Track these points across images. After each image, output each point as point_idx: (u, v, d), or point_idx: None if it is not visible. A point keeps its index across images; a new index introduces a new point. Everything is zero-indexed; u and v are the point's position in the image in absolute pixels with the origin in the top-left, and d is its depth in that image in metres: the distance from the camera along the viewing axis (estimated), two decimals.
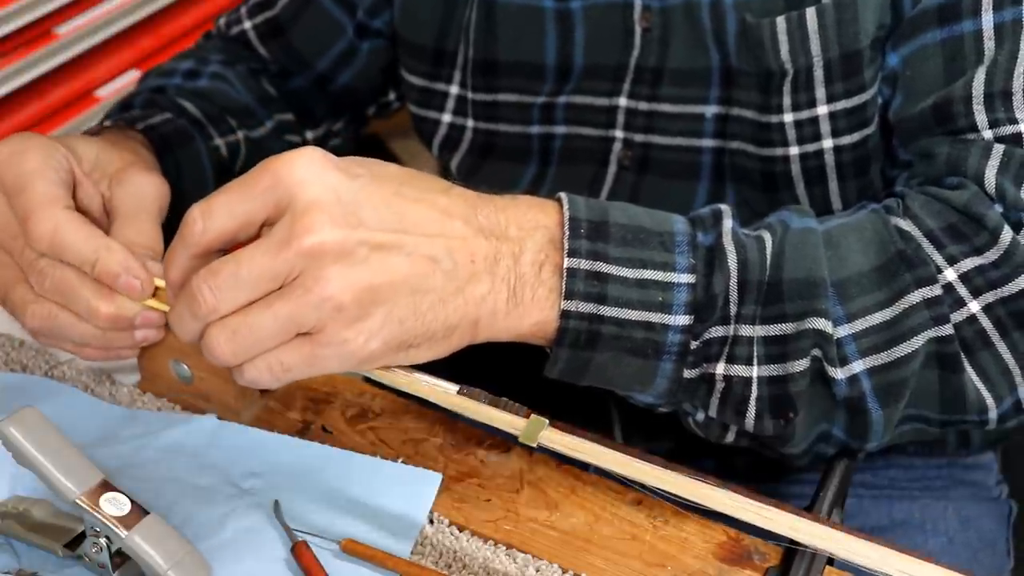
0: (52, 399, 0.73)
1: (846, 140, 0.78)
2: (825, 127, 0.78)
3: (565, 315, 0.62)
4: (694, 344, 0.64)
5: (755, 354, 0.64)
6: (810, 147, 0.79)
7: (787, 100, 0.78)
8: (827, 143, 0.78)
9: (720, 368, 0.64)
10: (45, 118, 1.52)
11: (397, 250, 0.57)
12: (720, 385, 0.65)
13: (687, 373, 0.64)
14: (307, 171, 0.56)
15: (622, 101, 0.84)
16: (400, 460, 0.72)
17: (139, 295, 0.65)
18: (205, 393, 0.74)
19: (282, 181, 0.56)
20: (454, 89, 0.91)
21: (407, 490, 0.69)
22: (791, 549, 0.65)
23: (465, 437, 0.74)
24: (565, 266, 0.61)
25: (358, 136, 1.09)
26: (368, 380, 0.73)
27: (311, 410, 0.76)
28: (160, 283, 0.65)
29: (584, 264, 0.62)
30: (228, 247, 0.58)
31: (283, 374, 0.58)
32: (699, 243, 0.64)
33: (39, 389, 0.75)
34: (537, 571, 0.65)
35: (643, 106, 0.83)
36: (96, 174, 0.71)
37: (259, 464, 0.70)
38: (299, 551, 0.64)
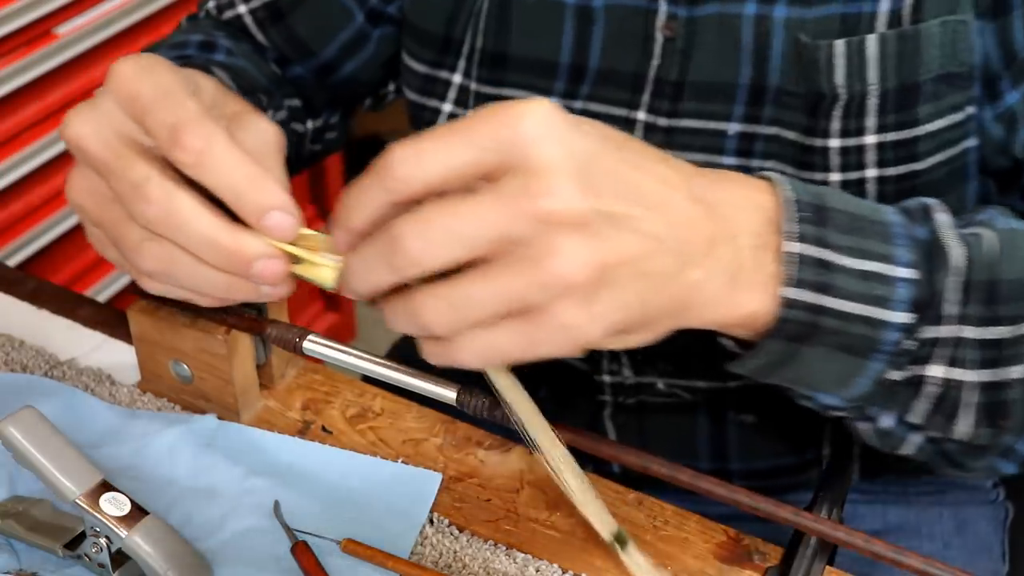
0: (52, 399, 0.73)
1: (891, 171, 0.76)
2: (871, 156, 0.76)
3: (788, 304, 0.57)
4: (907, 344, 0.59)
5: (972, 358, 0.61)
6: (853, 175, 0.77)
7: (836, 125, 0.75)
8: (871, 172, 0.76)
9: (935, 371, 0.60)
10: (45, 118, 1.52)
11: (628, 225, 0.51)
12: (933, 389, 0.61)
13: (893, 375, 0.60)
14: (544, 125, 0.49)
15: (640, 115, 0.80)
16: (400, 460, 0.72)
17: (287, 235, 0.57)
18: (205, 393, 0.74)
19: (516, 132, 0.49)
20: (457, 78, 0.88)
21: (407, 490, 0.69)
22: (791, 550, 0.65)
23: (465, 437, 0.74)
24: (787, 250, 0.57)
25: (349, 129, 1.05)
26: (367, 379, 0.73)
27: (311, 410, 0.76)
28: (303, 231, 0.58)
29: (810, 250, 0.57)
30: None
31: (495, 358, 0.52)
32: (916, 236, 0.60)
33: (39, 389, 0.75)
34: (537, 571, 0.65)
35: (662, 121, 0.80)
36: (214, 112, 0.62)
37: (259, 464, 0.70)
38: (299, 551, 0.64)
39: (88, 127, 0.58)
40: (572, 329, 0.50)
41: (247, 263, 0.57)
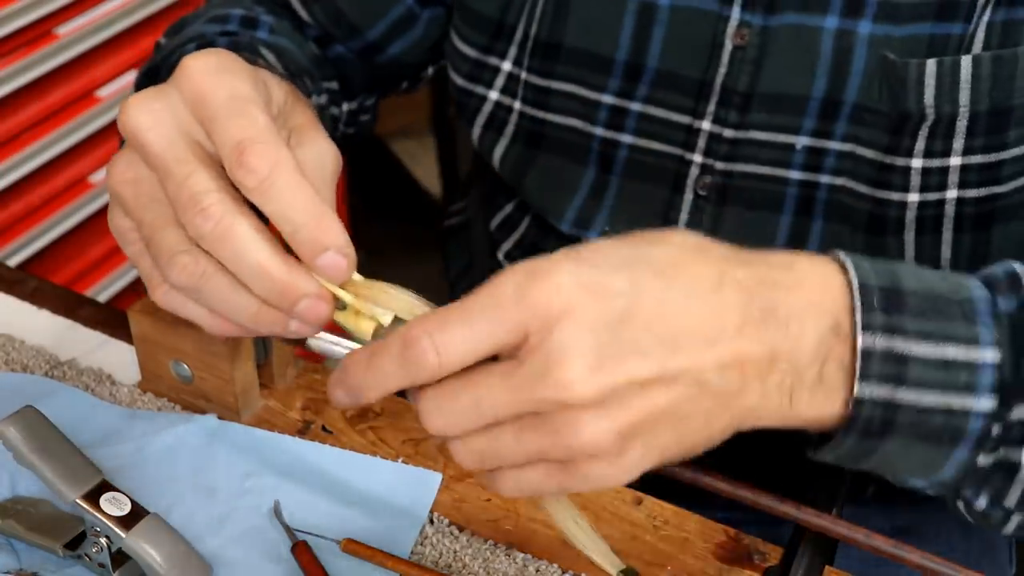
0: (52, 399, 0.73)
1: (972, 193, 0.74)
2: (953, 177, 0.74)
3: (858, 403, 0.53)
4: (995, 429, 0.55)
5: None
6: (932, 196, 0.75)
7: (920, 144, 0.73)
8: (951, 193, 0.74)
9: None
10: (46, 118, 1.52)
11: (661, 384, 0.50)
12: None
13: (982, 460, 0.56)
14: (566, 301, 0.49)
15: (705, 125, 0.78)
16: (400, 460, 0.72)
17: (340, 278, 0.54)
18: (205, 393, 0.74)
19: (538, 312, 0.49)
20: (507, 66, 0.85)
21: (407, 490, 0.69)
22: (791, 550, 0.65)
23: None
24: (860, 346, 0.53)
25: (377, 112, 1.01)
26: None
27: (311, 410, 0.76)
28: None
29: (880, 342, 0.53)
30: None
31: (533, 492, 0.53)
32: (1000, 311, 0.55)
33: (39, 389, 0.75)
34: (537, 571, 0.65)
35: (728, 133, 0.77)
36: (279, 121, 0.59)
37: (259, 464, 0.70)
38: (299, 551, 0.64)
39: (150, 120, 0.55)
40: (605, 479, 0.51)
41: (294, 300, 0.55)
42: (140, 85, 0.83)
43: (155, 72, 0.80)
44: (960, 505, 0.61)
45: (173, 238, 0.56)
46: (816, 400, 0.54)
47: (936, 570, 0.60)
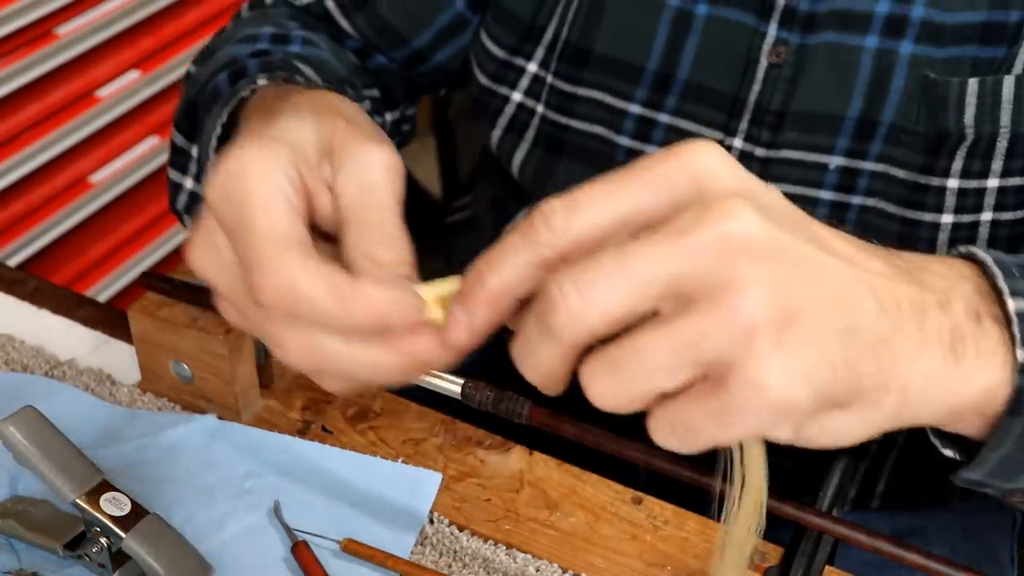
0: (52, 399, 0.73)
1: (1007, 216, 0.74)
2: (990, 199, 0.73)
3: (1022, 371, 0.47)
4: None
5: None
6: (966, 217, 0.74)
7: (958, 164, 0.72)
8: (986, 216, 0.74)
9: None
10: (46, 118, 1.52)
11: (821, 271, 0.42)
12: None
13: None
14: (718, 160, 0.43)
15: (737, 142, 0.76)
16: (400, 460, 0.72)
17: (415, 318, 0.49)
18: (205, 393, 0.74)
19: (687, 167, 0.42)
20: (532, 67, 0.83)
21: (407, 490, 0.69)
22: (791, 550, 0.65)
23: (465, 437, 0.74)
24: (1013, 309, 0.48)
25: (416, 120, 0.97)
26: None
27: (311, 410, 0.76)
28: (430, 300, 0.49)
29: None
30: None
31: (691, 439, 0.43)
32: None
33: (39, 389, 0.75)
34: (537, 571, 0.65)
35: (760, 151, 0.76)
36: (324, 161, 0.53)
37: (259, 464, 0.70)
38: (299, 551, 0.64)
39: (206, 259, 0.52)
40: (770, 389, 0.41)
41: (421, 363, 0.49)
42: (180, 125, 0.81)
43: (193, 108, 0.78)
44: (1007, 556, 0.56)
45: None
46: (981, 357, 0.47)
47: (938, 570, 0.60)
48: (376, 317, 0.47)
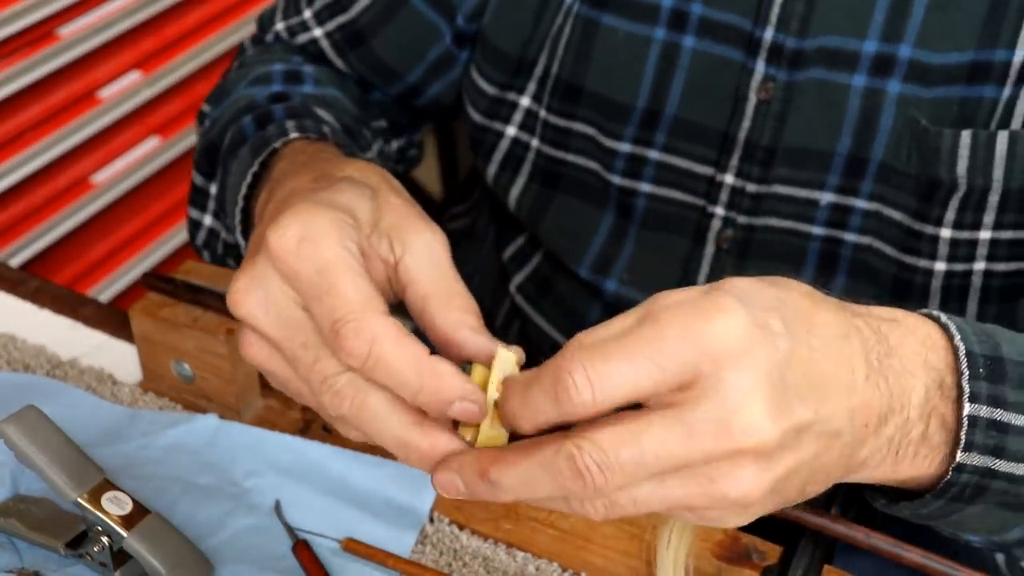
0: (54, 399, 0.73)
1: (1000, 267, 0.74)
2: (982, 250, 0.73)
3: (959, 468, 0.53)
4: None
5: None
6: (959, 266, 0.74)
7: (950, 215, 0.72)
8: (979, 265, 0.74)
9: None
10: (47, 119, 1.52)
11: (810, 431, 0.48)
12: None
13: None
14: (734, 341, 0.46)
15: (728, 179, 0.76)
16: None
17: (474, 420, 0.51)
18: (206, 392, 0.74)
19: (706, 353, 0.46)
20: (525, 101, 0.83)
21: (407, 489, 0.69)
22: (789, 549, 0.65)
23: None
24: (966, 413, 0.53)
25: (423, 146, 0.99)
26: None
27: (311, 409, 0.76)
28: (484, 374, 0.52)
29: (984, 412, 0.53)
30: None
31: (640, 513, 0.49)
32: None
33: (41, 389, 0.75)
34: (537, 570, 0.66)
35: (751, 187, 0.76)
36: (374, 236, 0.57)
37: (260, 463, 0.70)
38: (299, 550, 0.64)
39: (258, 307, 0.54)
40: (727, 521, 0.49)
41: (435, 462, 0.52)
42: (200, 165, 0.83)
43: (213, 149, 0.80)
44: (1001, 557, 0.62)
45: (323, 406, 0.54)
46: (917, 459, 0.53)
47: (936, 569, 0.60)
48: (442, 402, 0.50)
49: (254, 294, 0.54)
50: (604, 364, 0.45)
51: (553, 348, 0.89)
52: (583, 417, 0.46)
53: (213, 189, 0.83)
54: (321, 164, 0.64)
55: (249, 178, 0.70)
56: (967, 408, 0.52)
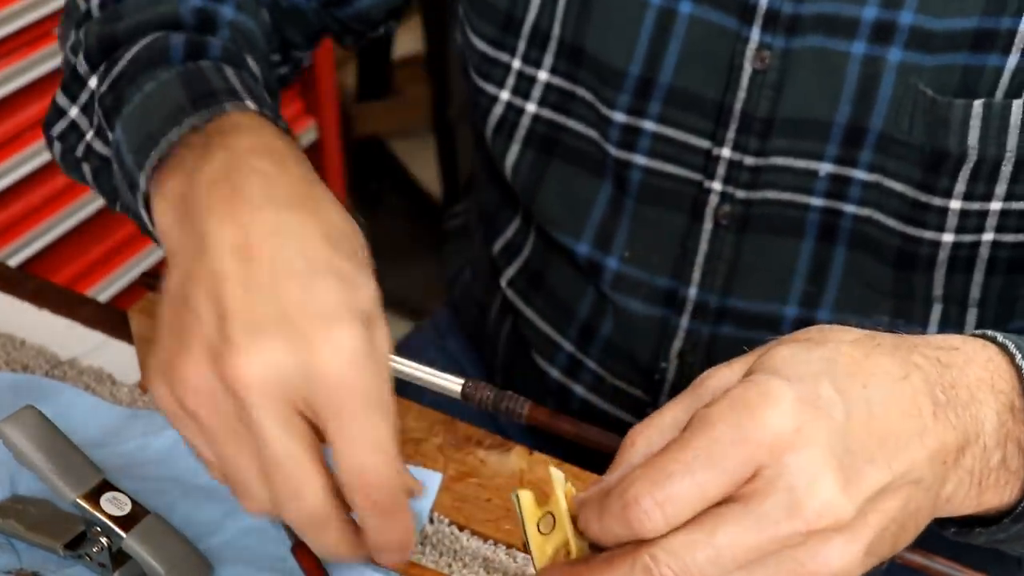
0: (53, 399, 0.73)
1: (1009, 238, 0.73)
2: (992, 221, 0.72)
3: None
4: None
5: None
6: (968, 237, 0.73)
7: (960, 187, 0.71)
8: (987, 236, 0.73)
9: None
10: None
11: (891, 489, 0.48)
12: None
13: None
14: (787, 426, 0.46)
15: (725, 152, 0.75)
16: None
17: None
18: None
19: (767, 444, 0.46)
20: (516, 63, 0.81)
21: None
22: None
23: (465, 437, 0.74)
24: None
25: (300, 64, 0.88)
26: None
27: None
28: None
29: None
30: None
31: None
32: None
33: (40, 389, 0.75)
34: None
35: (749, 160, 0.75)
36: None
37: None
38: (298, 552, 0.64)
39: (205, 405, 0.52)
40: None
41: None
42: (88, 55, 0.72)
43: (113, 45, 0.71)
44: None
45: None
46: (999, 485, 0.53)
47: (939, 571, 0.60)
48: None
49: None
50: (669, 486, 0.45)
51: (545, 343, 0.89)
52: (654, 535, 0.46)
53: (94, 83, 0.73)
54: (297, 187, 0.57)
55: (186, 128, 0.61)
56: None
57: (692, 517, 0.46)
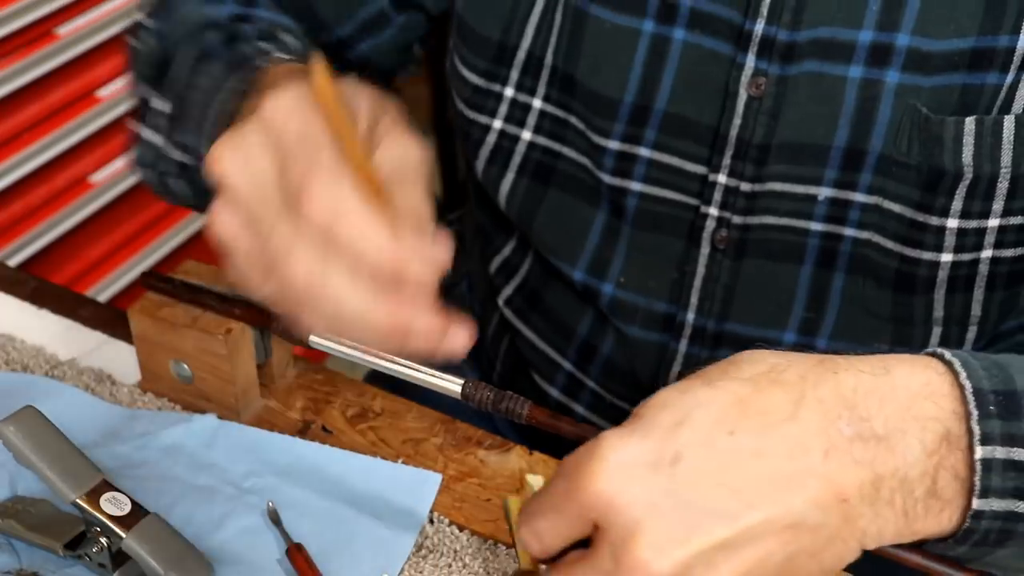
0: (52, 399, 0.73)
1: (1008, 253, 0.73)
2: (990, 238, 0.72)
3: (977, 516, 0.52)
4: None
5: None
6: (966, 256, 0.73)
7: (957, 205, 0.70)
8: (986, 253, 0.73)
9: None
10: (46, 118, 1.52)
11: (746, 539, 0.49)
12: None
13: None
14: (610, 485, 0.49)
15: (721, 178, 0.74)
16: (400, 460, 0.72)
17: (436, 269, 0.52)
18: (205, 393, 0.74)
19: (589, 505, 0.50)
20: (509, 92, 0.81)
21: (407, 490, 0.69)
22: None
23: (465, 437, 0.74)
24: (978, 457, 0.51)
25: None
26: (367, 379, 0.73)
27: (311, 410, 0.76)
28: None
29: (999, 453, 0.51)
30: None
31: None
32: None
33: (39, 389, 0.75)
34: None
35: (745, 186, 0.74)
36: (375, 132, 0.57)
37: (259, 464, 0.70)
38: (293, 554, 0.64)
39: (235, 166, 0.52)
40: None
41: (406, 333, 0.51)
42: (146, 77, 0.78)
43: (164, 64, 0.75)
44: None
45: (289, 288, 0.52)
46: (931, 514, 0.52)
47: (938, 571, 0.60)
48: (401, 260, 0.50)
49: (235, 154, 0.53)
50: (534, 522, 0.52)
51: (545, 362, 0.89)
52: (547, 558, 0.53)
53: (158, 104, 0.76)
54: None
55: (228, 95, 0.65)
56: (979, 452, 0.51)
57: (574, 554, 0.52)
